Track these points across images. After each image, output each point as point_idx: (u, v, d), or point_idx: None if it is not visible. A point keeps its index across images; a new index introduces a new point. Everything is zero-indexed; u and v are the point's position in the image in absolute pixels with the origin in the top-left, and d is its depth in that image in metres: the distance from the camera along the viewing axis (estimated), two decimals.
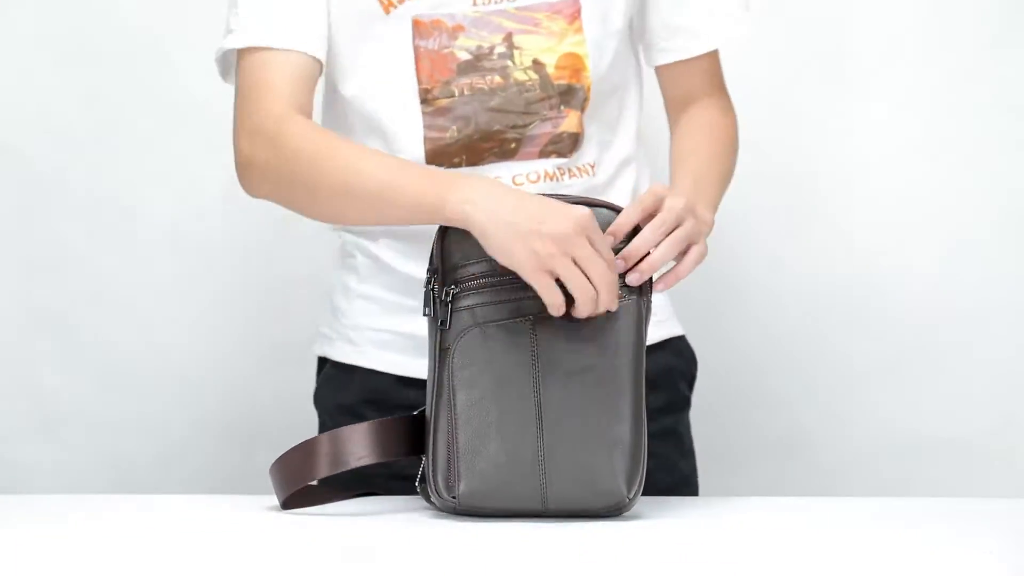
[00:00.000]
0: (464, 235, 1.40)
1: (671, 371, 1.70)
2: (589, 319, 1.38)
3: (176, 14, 2.30)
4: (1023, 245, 2.27)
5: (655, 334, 1.61)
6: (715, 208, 1.59)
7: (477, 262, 1.40)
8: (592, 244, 1.37)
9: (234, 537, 1.33)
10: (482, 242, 1.39)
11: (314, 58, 1.59)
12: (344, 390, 1.66)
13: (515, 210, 1.38)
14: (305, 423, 2.20)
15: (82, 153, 2.30)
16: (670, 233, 1.42)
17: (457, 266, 1.40)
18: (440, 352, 1.40)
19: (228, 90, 2.32)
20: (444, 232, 1.41)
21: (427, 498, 1.41)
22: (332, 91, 1.66)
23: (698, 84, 1.71)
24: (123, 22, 2.30)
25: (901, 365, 2.27)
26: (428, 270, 1.42)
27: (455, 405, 1.38)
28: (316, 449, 1.43)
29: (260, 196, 1.62)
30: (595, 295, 1.37)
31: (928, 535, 1.36)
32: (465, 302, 1.39)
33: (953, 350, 2.27)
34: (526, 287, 1.38)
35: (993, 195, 2.28)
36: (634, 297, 1.40)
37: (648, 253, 1.41)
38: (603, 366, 1.39)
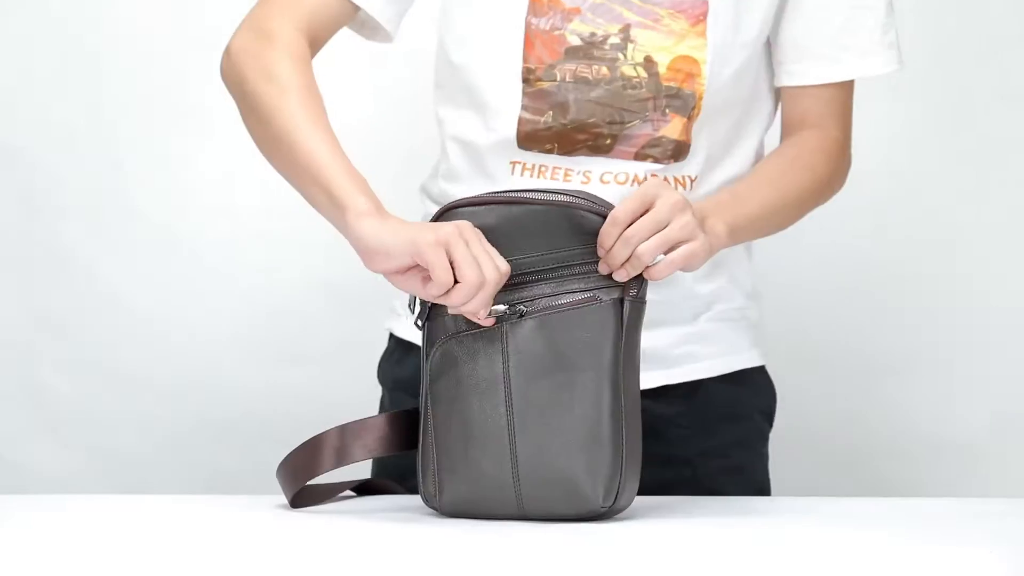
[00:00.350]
0: None
1: (738, 403, 1.65)
2: (561, 324, 1.34)
3: (177, 15, 2.30)
4: None
5: (718, 365, 1.61)
6: (739, 229, 1.48)
7: None
8: (487, 252, 1.33)
9: (234, 536, 1.33)
10: (358, 243, 1.36)
11: (352, 3, 1.55)
12: (401, 365, 1.67)
13: (396, 219, 1.37)
14: (305, 421, 2.19)
15: (83, 153, 2.31)
16: (658, 231, 1.35)
17: None
18: (424, 361, 1.38)
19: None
20: None
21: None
22: (445, 60, 1.61)
23: (814, 112, 1.61)
24: (124, 23, 2.30)
25: (901, 366, 2.28)
26: None
27: (435, 415, 1.37)
28: (322, 444, 1.43)
29: (226, 85, 1.58)
30: (481, 283, 1.31)
31: (928, 535, 1.36)
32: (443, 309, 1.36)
33: (953, 351, 2.28)
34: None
35: (994, 194, 2.28)
36: (612, 298, 1.34)
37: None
38: (578, 372, 1.34)
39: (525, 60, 1.55)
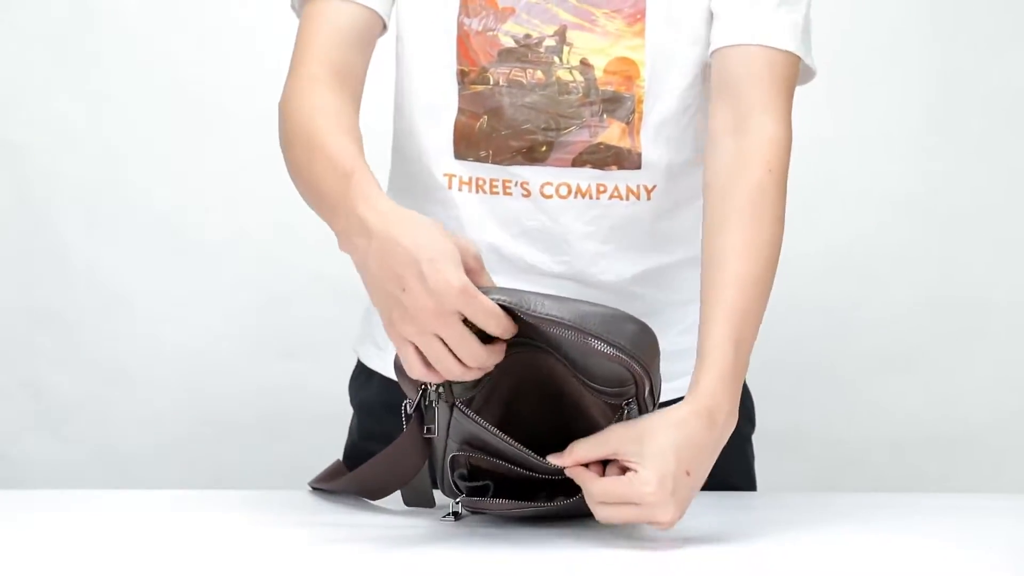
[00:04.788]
0: None
1: None
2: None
3: (177, 11, 2.30)
4: None
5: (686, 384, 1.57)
6: (737, 390, 1.35)
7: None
8: (463, 318, 1.20)
9: (233, 532, 1.33)
10: (356, 266, 1.28)
11: (371, 10, 1.47)
12: (365, 389, 1.66)
13: (381, 264, 1.23)
14: (304, 418, 2.20)
15: (82, 151, 2.31)
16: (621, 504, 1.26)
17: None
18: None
19: (229, 87, 2.34)
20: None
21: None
22: (399, 56, 1.56)
23: (731, 78, 1.45)
24: (124, 19, 2.31)
25: (905, 361, 2.28)
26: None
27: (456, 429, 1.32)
28: (380, 471, 1.38)
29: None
30: (464, 371, 1.22)
31: (933, 531, 1.36)
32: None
33: (957, 347, 2.28)
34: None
35: (994, 193, 2.28)
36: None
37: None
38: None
39: (459, 62, 1.49)
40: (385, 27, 1.51)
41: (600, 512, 1.27)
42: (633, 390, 1.29)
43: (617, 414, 1.30)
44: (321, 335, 2.31)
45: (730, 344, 1.34)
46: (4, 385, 2.32)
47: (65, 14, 2.30)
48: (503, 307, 1.21)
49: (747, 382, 1.68)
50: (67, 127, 2.31)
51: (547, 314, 1.21)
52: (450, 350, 1.21)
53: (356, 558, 1.23)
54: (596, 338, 1.22)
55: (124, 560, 1.20)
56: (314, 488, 1.51)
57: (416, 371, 1.23)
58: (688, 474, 1.27)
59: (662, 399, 1.43)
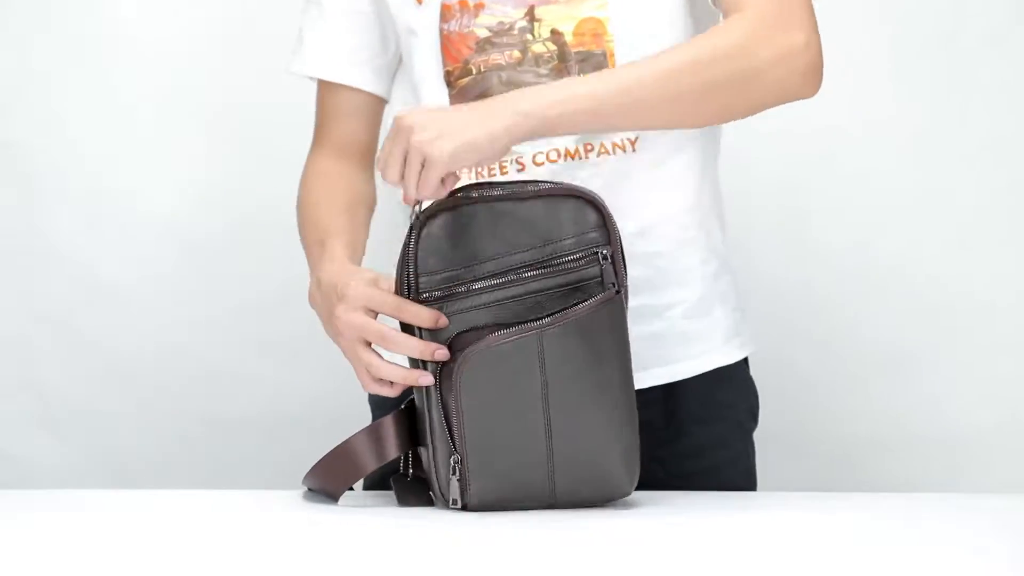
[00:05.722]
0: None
1: (714, 403, 1.63)
2: (591, 325, 1.36)
3: (177, 11, 2.30)
4: None
5: (692, 367, 1.59)
6: (549, 102, 1.39)
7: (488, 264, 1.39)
8: (379, 326, 1.42)
9: (233, 532, 1.33)
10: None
11: (367, 93, 1.65)
12: None
13: (323, 302, 1.51)
14: (305, 418, 2.20)
15: (83, 150, 2.31)
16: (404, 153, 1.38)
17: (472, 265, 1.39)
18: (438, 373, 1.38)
19: (230, 88, 2.34)
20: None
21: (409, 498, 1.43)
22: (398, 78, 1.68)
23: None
24: (124, 19, 2.30)
25: (906, 361, 2.27)
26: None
27: (461, 412, 1.36)
28: (356, 448, 1.43)
29: None
30: (401, 375, 1.41)
31: (933, 531, 1.36)
32: (477, 299, 1.38)
33: (955, 347, 2.27)
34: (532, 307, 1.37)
35: (994, 192, 2.28)
36: (618, 289, 1.37)
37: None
38: (608, 367, 1.36)
39: (444, 64, 1.58)
40: (382, 101, 1.68)
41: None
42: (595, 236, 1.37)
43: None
44: (321, 335, 2.30)
45: (596, 79, 1.43)
46: (4, 385, 2.31)
47: (65, 14, 2.30)
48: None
49: (752, 378, 1.68)
50: (66, 126, 2.31)
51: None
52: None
53: (356, 558, 1.23)
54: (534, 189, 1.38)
55: (124, 560, 1.20)
56: (308, 488, 1.51)
57: (362, 376, 1.45)
58: (435, 120, 1.38)
59: (663, 382, 1.57)
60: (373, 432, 1.42)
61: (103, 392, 2.30)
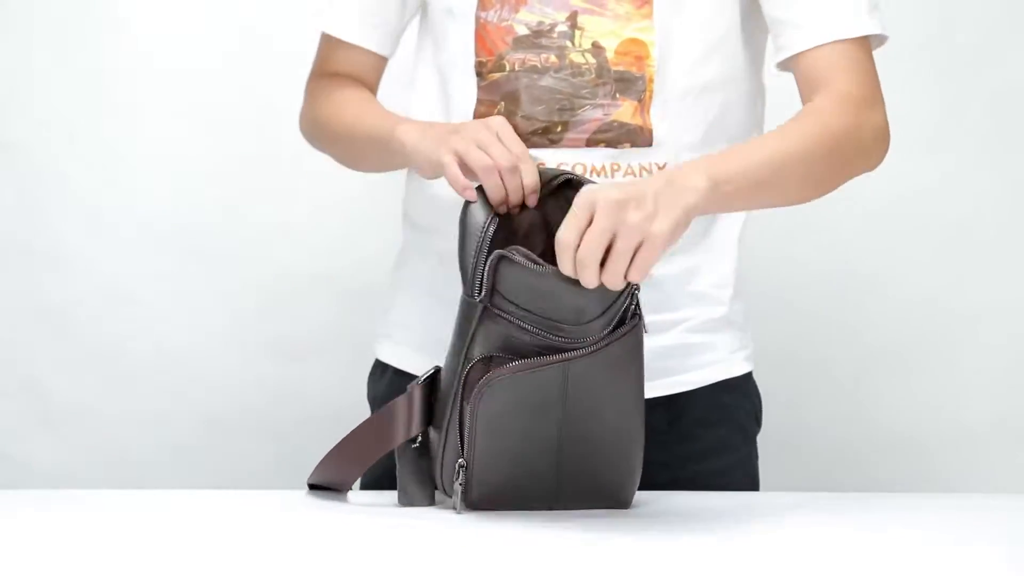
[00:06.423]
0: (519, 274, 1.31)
1: (719, 409, 1.63)
2: (616, 348, 1.33)
3: (177, 11, 2.30)
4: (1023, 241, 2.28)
5: (698, 377, 1.59)
6: (724, 182, 1.35)
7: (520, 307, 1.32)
8: (498, 136, 1.39)
9: (234, 533, 1.33)
10: (412, 160, 1.47)
11: (377, 55, 1.64)
12: (378, 384, 1.69)
13: (437, 125, 1.48)
14: (305, 419, 2.20)
15: (83, 150, 2.31)
16: (607, 240, 1.26)
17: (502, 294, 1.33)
18: (458, 380, 1.36)
19: (231, 89, 2.34)
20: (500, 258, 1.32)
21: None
22: (422, 58, 1.66)
23: (820, 78, 1.51)
24: (125, 20, 2.30)
25: (906, 361, 2.28)
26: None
27: (476, 427, 1.35)
28: (365, 433, 1.44)
29: (308, 139, 1.70)
30: (491, 165, 1.37)
31: (933, 531, 1.36)
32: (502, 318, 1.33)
33: (954, 347, 2.28)
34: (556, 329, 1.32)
35: (993, 192, 2.28)
36: (639, 322, 1.35)
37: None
38: (623, 383, 1.36)
39: (477, 54, 1.56)
40: (385, 63, 1.67)
41: (584, 254, 1.26)
42: None
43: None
44: (321, 335, 2.31)
45: (718, 152, 1.42)
46: (4, 385, 2.31)
47: (65, 14, 2.30)
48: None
49: (755, 382, 1.69)
50: (67, 127, 2.31)
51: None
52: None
53: (356, 558, 1.23)
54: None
55: (124, 560, 1.20)
56: (311, 486, 1.51)
57: (455, 174, 1.39)
58: (646, 194, 1.28)
59: (668, 393, 1.57)
60: (387, 413, 1.42)
61: (103, 392, 2.30)
